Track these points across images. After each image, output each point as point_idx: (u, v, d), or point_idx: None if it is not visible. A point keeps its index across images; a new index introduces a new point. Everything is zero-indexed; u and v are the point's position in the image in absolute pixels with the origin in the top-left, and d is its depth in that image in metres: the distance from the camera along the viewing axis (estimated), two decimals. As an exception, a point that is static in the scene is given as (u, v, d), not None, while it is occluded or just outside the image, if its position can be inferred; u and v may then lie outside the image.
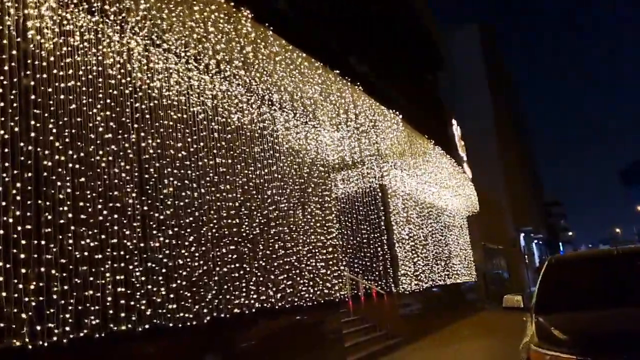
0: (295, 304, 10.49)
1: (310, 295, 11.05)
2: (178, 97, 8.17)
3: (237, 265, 8.87)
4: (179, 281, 7.47)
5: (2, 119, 5.48)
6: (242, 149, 9.66)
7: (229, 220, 8.89)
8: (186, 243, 7.77)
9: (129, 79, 7.23)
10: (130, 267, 6.72)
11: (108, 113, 6.82)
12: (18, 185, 5.47)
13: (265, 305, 9.45)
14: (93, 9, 6.64)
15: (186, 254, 7.73)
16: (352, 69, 10.37)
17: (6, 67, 5.61)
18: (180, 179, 7.92)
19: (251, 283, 9.14)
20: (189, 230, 7.87)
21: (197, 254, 7.95)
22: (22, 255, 5.36)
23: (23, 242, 5.39)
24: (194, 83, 8.47)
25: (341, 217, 17.17)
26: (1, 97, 5.52)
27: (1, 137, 5.45)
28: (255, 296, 9.18)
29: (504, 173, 51.28)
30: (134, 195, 6.98)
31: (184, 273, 7.62)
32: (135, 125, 7.25)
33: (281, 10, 7.94)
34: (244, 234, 9.24)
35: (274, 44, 8.12)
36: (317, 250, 11.70)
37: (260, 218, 9.84)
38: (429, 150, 16.69)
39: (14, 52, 5.71)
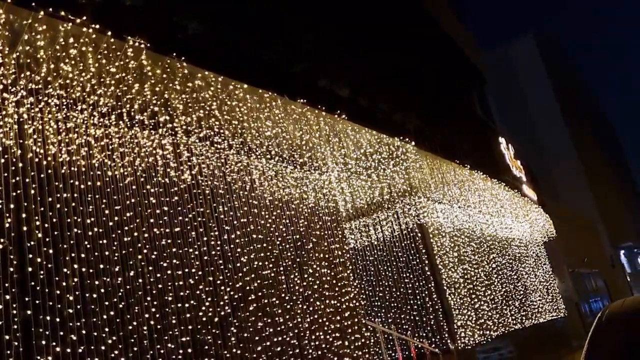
0: (297, 394, 8.36)
1: (320, 379, 8.87)
2: (89, 162, 6.58)
3: (195, 360, 6.95)
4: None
5: None
6: (199, 211, 7.89)
7: (179, 304, 7.05)
8: (103, 347, 5.98)
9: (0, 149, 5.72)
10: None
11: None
12: None
13: (246, 405, 7.42)
14: None
15: (103, 361, 5.93)
16: (327, 95, 8.42)
17: None
18: (92, 264, 6.21)
19: (219, 381, 7.16)
20: (107, 330, 6.09)
21: (122, 359, 6.12)
22: None
23: None
24: (113, 141, 6.87)
25: (379, 266, 14.94)
26: None
27: None
28: (227, 397, 7.18)
29: (590, 187, 46.52)
30: (7, 297, 5.32)
31: (100, 389, 5.80)
32: (12, 206, 5.67)
33: (193, 35, 6.23)
34: (205, 318, 7.34)
35: (195, 77, 6.44)
36: (326, 319, 9.56)
37: (232, 293, 7.93)
38: (466, 177, 14.25)
39: None
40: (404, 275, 14.62)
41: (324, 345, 9.26)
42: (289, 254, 9.37)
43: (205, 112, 7.09)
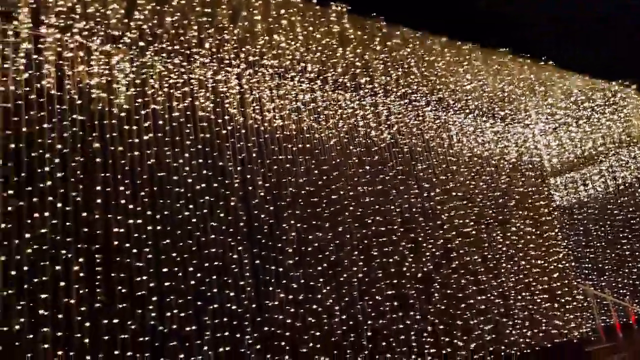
0: (503, 353, 8.19)
1: (528, 340, 8.55)
2: (299, 126, 7.08)
3: (400, 314, 7.20)
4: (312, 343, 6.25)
5: None
6: (398, 169, 8.01)
7: (384, 259, 7.32)
8: (319, 296, 6.52)
9: (226, 117, 6.45)
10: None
11: (200, 161, 6.13)
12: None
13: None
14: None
15: (324, 314, 6.45)
16: (531, 41, 7.77)
17: None
18: (306, 220, 6.74)
19: (424, 335, 7.33)
20: (321, 280, 6.60)
21: (342, 312, 6.60)
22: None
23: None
24: (318, 104, 7.28)
25: (589, 226, 13.66)
26: None
27: None
28: (433, 350, 7.33)
29: None
30: (239, 249, 6.08)
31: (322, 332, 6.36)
32: (239, 168, 6.39)
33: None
34: (409, 274, 7.52)
35: (393, 36, 6.42)
36: (532, 280, 9.12)
37: (434, 250, 7.97)
38: None
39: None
40: (621, 236, 13.18)
41: (530, 307, 8.88)
42: (490, 211, 9.07)
43: (404, 70, 7.10)
